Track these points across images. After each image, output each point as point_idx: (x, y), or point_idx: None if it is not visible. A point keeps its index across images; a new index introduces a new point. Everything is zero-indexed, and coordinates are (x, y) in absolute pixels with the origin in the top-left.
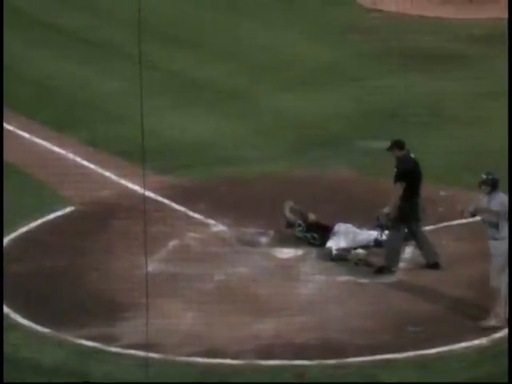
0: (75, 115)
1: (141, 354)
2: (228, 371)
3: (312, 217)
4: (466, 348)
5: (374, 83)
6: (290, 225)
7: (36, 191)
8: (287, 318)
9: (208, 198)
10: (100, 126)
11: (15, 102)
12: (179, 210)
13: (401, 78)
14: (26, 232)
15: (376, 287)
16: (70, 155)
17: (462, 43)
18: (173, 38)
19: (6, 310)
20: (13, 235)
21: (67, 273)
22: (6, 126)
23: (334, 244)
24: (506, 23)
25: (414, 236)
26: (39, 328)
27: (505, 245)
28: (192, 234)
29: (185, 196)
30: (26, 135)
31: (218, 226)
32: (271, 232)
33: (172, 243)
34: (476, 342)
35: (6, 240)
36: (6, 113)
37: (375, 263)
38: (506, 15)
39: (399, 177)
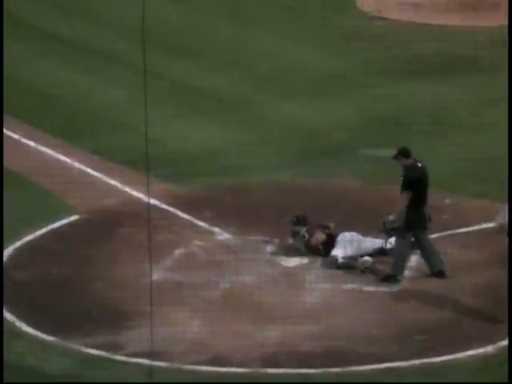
0: (80, 124)
1: (146, 362)
2: (233, 379)
3: (332, 226)
4: (471, 356)
5: (378, 91)
6: (296, 233)
7: (41, 199)
8: (292, 326)
9: (213, 206)
10: (104, 134)
11: (20, 111)
12: (184, 218)
13: (405, 85)
14: (32, 240)
15: (381, 295)
16: (75, 164)
17: (466, 51)
18: (176, 46)
19: (10, 318)
20: (18, 243)
21: (72, 281)
22: (11, 134)
23: (339, 252)
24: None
25: (420, 244)
26: (44, 336)
27: None
28: (197, 242)
29: (189, 204)
30: (32, 144)
31: (222, 234)
32: (276, 240)
33: (177, 251)
34: (481, 350)
35: (11, 248)
36: (12, 122)
37: (381, 271)
38: (507, 23)
39: (406, 185)
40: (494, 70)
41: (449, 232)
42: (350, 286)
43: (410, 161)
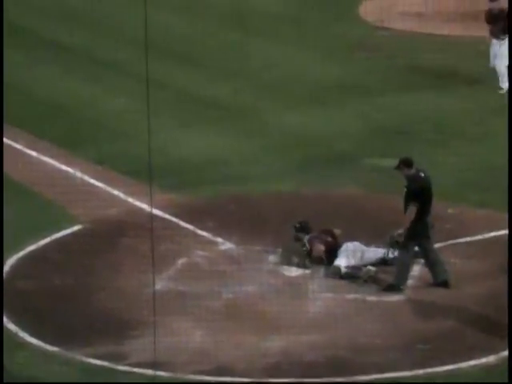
0: (82, 133)
1: (149, 372)
2: None
3: (338, 232)
4: (473, 366)
5: (381, 101)
6: (298, 239)
7: (44, 209)
8: (295, 335)
9: (215, 216)
10: (107, 143)
11: (22, 121)
12: (187, 228)
13: (407, 95)
14: (35, 250)
15: (384, 305)
16: (78, 173)
17: (468, 60)
18: (179, 55)
19: (13, 328)
20: (21, 253)
21: (75, 291)
22: (13, 144)
23: (342, 262)
24: None
25: (426, 254)
26: (47, 346)
27: None
28: (200, 252)
29: (192, 214)
30: (34, 154)
31: (225, 244)
32: (279, 250)
33: (180, 261)
34: (484, 360)
35: (14, 258)
36: (13, 131)
37: (383, 281)
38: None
39: (410, 196)
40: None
41: (451, 241)
42: (352, 296)
43: (413, 171)
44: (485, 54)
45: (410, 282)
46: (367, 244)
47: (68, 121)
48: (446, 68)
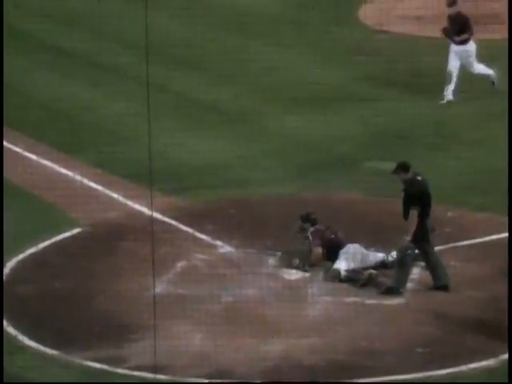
0: (82, 137)
1: (149, 375)
2: None
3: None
4: (473, 369)
5: (381, 104)
6: (302, 229)
7: (44, 213)
8: (295, 339)
9: (215, 220)
10: (107, 147)
11: (22, 124)
12: (186, 232)
13: (407, 99)
14: (35, 253)
15: (384, 308)
16: (78, 177)
17: None
18: (179, 59)
19: (13, 331)
20: (21, 256)
21: (75, 294)
22: (13, 147)
23: (342, 265)
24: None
25: (426, 257)
26: (47, 350)
27: None
28: (199, 256)
29: (192, 217)
30: (34, 157)
31: (225, 248)
32: (278, 253)
33: (179, 265)
34: (484, 363)
35: (14, 261)
36: (14, 135)
37: (383, 284)
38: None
39: (409, 201)
40: (497, 82)
41: (451, 245)
42: (352, 299)
43: (410, 175)
44: (485, 58)
45: (409, 285)
46: (367, 248)
47: (68, 124)
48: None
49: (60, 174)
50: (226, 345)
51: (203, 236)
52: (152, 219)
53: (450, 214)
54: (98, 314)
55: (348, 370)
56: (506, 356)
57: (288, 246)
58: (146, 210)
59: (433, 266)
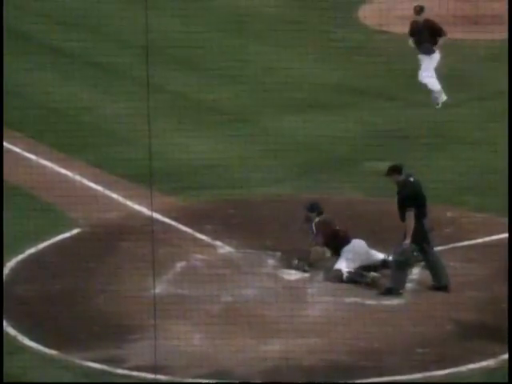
0: (82, 137)
1: (148, 376)
2: None
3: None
4: (472, 370)
5: (380, 105)
6: (308, 219)
7: (43, 213)
8: (294, 339)
9: (215, 220)
10: (107, 147)
11: (22, 125)
12: (186, 232)
13: (407, 99)
14: (34, 253)
15: (383, 309)
16: (77, 177)
17: (468, 64)
18: (179, 60)
19: (12, 332)
20: (20, 256)
21: (74, 295)
22: (12, 148)
23: (344, 266)
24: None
25: (426, 258)
26: (46, 350)
27: None
28: (199, 256)
29: (192, 218)
30: (33, 157)
31: (224, 248)
32: (278, 254)
33: (179, 265)
34: (483, 363)
35: (14, 261)
36: (13, 135)
37: (383, 284)
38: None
39: (404, 202)
40: (496, 83)
41: (451, 245)
42: (352, 300)
43: (403, 176)
44: (485, 58)
45: (409, 285)
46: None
47: (67, 124)
48: (445, 71)
49: (59, 174)
50: (226, 345)
51: (203, 236)
52: (152, 219)
53: (449, 214)
54: (97, 315)
55: (347, 370)
56: (505, 356)
57: (287, 246)
58: (145, 210)
59: (432, 266)
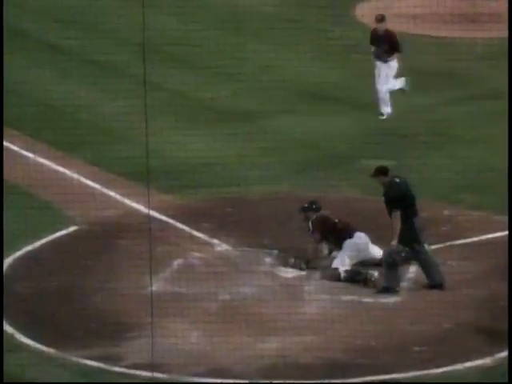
0: (79, 135)
1: (146, 373)
2: None
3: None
4: (469, 368)
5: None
6: (307, 218)
7: (41, 211)
8: (291, 337)
9: (212, 218)
10: (104, 145)
11: (19, 123)
12: (183, 230)
13: (404, 97)
14: (31, 251)
15: (380, 307)
16: (75, 175)
17: (465, 62)
18: (177, 58)
19: (10, 330)
20: (18, 254)
21: (71, 292)
22: (10, 146)
23: (341, 264)
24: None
25: (418, 257)
26: (43, 348)
27: None
28: (196, 254)
29: (189, 216)
30: (31, 155)
31: (222, 246)
32: (275, 251)
33: (176, 263)
34: (479, 361)
35: (11, 259)
36: (11, 133)
37: (380, 282)
38: (507, 34)
39: (390, 204)
40: (493, 81)
41: (448, 243)
42: (348, 298)
43: (388, 178)
44: (482, 56)
45: (405, 283)
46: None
47: (65, 122)
48: (443, 70)
49: (57, 172)
50: (223, 343)
51: (200, 234)
52: (149, 217)
53: (446, 212)
54: (94, 312)
55: (344, 368)
56: (502, 355)
57: (285, 244)
58: (142, 208)
59: (425, 265)
